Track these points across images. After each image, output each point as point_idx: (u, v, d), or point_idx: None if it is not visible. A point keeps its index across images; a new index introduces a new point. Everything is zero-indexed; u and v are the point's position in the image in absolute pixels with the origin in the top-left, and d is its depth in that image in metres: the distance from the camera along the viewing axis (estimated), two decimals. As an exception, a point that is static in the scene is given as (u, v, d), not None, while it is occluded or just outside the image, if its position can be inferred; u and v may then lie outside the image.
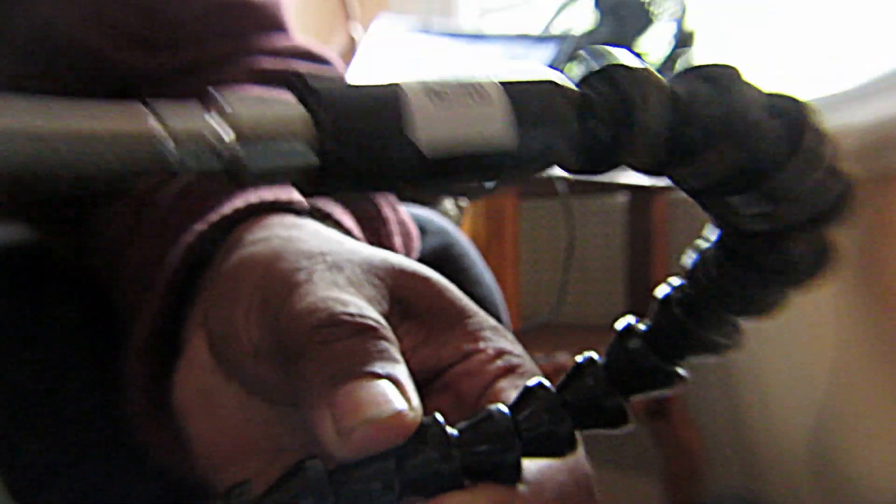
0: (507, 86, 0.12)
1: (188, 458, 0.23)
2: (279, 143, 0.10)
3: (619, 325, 0.20)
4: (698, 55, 1.22)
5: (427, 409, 0.18)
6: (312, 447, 0.19)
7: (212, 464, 0.22)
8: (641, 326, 0.19)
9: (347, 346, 0.19)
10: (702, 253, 0.18)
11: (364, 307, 0.20)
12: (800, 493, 1.09)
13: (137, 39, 0.34)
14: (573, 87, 0.13)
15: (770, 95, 0.15)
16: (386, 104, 0.11)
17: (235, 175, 0.10)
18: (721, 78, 0.14)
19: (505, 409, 0.17)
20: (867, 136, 1.00)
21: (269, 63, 0.35)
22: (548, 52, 1.08)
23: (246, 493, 0.16)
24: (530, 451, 0.17)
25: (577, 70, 0.14)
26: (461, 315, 0.22)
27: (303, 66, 0.37)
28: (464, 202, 0.99)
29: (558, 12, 1.35)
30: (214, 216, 0.25)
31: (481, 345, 0.22)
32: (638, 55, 1.15)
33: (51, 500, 0.31)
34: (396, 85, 0.11)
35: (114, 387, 0.29)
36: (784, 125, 0.14)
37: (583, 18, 1.31)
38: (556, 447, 0.18)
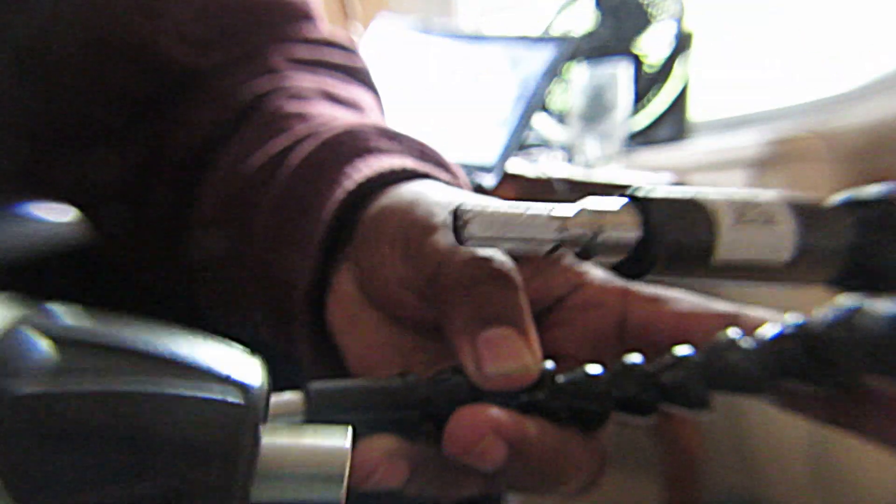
0: (796, 209, 0.15)
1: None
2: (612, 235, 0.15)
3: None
4: (698, 55, 1.23)
5: (548, 341, 0.23)
6: (433, 365, 0.23)
7: (358, 374, 0.26)
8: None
9: (488, 290, 0.22)
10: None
11: (498, 253, 0.23)
12: (800, 493, 1.09)
13: (192, 38, 0.35)
14: (845, 210, 0.15)
15: None
16: (700, 223, 0.14)
17: (587, 250, 0.15)
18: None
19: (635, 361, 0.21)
20: (867, 136, 1.01)
21: (302, 52, 0.37)
22: (548, 52, 1.08)
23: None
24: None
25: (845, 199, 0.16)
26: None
27: (333, 54, 0.38)
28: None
29: (558, 13, 1.35)
30: (351, 184, 0.28)
31: (587, 278, 0.25)
32: (637, 56, 1.15)
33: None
34: (706, 200, 0.14)
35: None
36: None
37: (583, 19, 1.31)
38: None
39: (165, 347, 0.13)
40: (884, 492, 1.02)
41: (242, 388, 0.13)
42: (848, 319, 0.18)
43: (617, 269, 0.15)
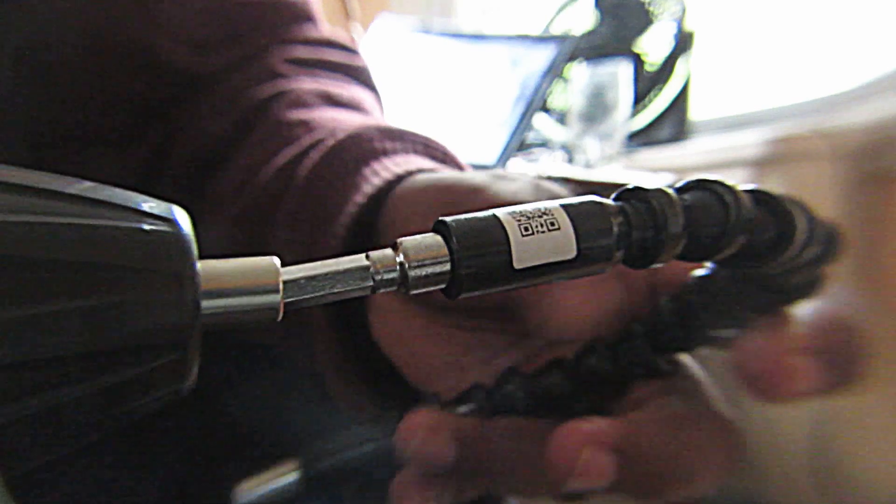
0: (568, 209, 0.17)
1: (373, 395, 0.27)
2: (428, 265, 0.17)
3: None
4: (699, 55, 1.22)
5: None
6: (487, 365, 0.24)
7: (415, 384, 0.26)
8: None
9: None
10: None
11: None
12: (800, 493, 1.09)
13: (192, 41, 0.35)
14: (613, 203, 0.18)
15: (754, 192, 0.19)
16: (493, 233, 0.17)
17: (405, 282, 0.16)
18: (716, 187, 0.18)
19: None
20: (867, 136, 1.00)
21: (303, 52, 0.37)
22: (548, 52, 1.08)
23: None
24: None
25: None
26: None
27: (333, 54, 0.38)
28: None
29: (558, 12, 1.35)
30: (361, 197, 0.27)
31: None
32: (637, 56, 1.15)
33: (51, 499, 0.31)
34: (497, 218, 0.17)
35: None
36: (773, 216, 0.19)
37: (583, 18, 1.31)
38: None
39: (90, 190, 0.14)
40: (884, 490, 1.02)
41: (171, 221, 0.14)
42: (698, 285, 0.22)
43: (447, 294, 0.17)
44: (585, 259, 0.17)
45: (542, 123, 1.30)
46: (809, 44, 1.19)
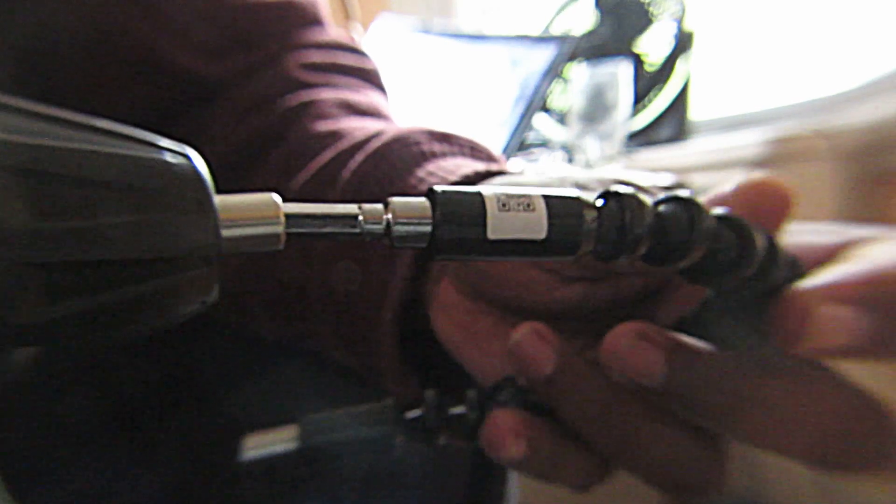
0: (546, 197, 0.19)
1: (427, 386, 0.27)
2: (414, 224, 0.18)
3: None
4: (699, 55, 1.23)
5: None
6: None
7: (478, 377, 0.27)
8: None
9: None
10: None
11: None
12: (800, 493, 1.09)
13: (202, 46, 0.35)
14: (591, 200, 0.20)
15: (722, 215, 0.21)
16: (474, 206, 0.18)
17: (389, 236, 0.18)
18: (687, 203, 0.20)
19: None
20: (867, 136, 1.00)
21: (316, 56, 0.37)
22: (548, 52, 1.08)
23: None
24: None
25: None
26: None
27: (345, 57, 0.38)
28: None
29: (558, 12, 1.35)
30: (431, 183, 0.27)
31: None
32: (637, 56, 1.14)
33: (51, 499, 0.31)
34: (480, 195, 0.19)
35: (113, 382, 0.29)
36: (735, 236, 0.20)
37: (583, 18, 1.31)
38: None
39: (116, 126, 0.16)
40: (885, 492, 1.02)
41: (187, 157, 0.16)
42: (695, 315, 0.23)
43: (422, 254, 0.19)
44: (554, 242, 0.19)
45: (542, 123, 1.30)
46: (809, 44, 1.19)
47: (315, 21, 0.39)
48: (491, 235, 0.19)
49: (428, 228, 0.18)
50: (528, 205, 0.19)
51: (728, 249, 0.20)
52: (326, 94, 0.35)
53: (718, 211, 0.21)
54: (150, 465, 0.33)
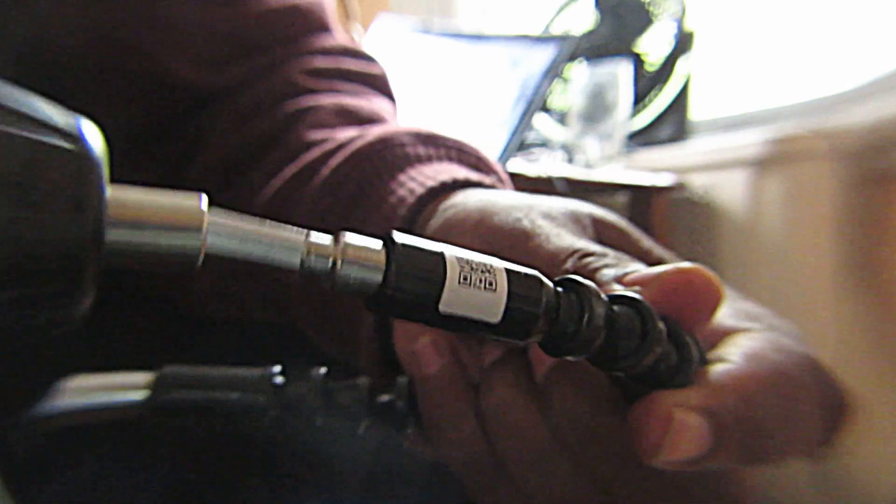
0: (510, 276, 0.17)
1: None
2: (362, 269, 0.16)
3: None
4: (699, 55, 1.23)
5: None
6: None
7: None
8: None
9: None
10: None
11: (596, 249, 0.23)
12: (800, 493, 1.09)
13: (207, 59, 0.35)
14: (552, 287, 0.18)
15: (665, 320, 0.19)
16: (434, 271, 0.17)
17: (333, 279, 0.16)
18: (638, 304, 0.19)
19: None
20: (867, 136, 1.00)
21: (321, 62, 0.37)
22: (548, 52, 1.08)
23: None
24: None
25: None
26: (647, 255, 0.24)
27: (351, 63, 0.38)
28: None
29: (558, 12, 1.35)
30: (417, 192, 0.27)
31: None
32: (637, 56, 1.14)
33: (51, 499, 0.31)
34: (444, 258, 0.17)
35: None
36: (675, 345, 0.19)
37: (583, 18, 1.31)
38: None
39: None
40: (884, 490, 1.02)
41: (75, 137, 0.13)
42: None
43: (366, 304, 0.17)
44: (506, 329, 0.17)
45: (542, 123, 1.30)
46: (809, 44, 1.19)
47: (322, 27, 0.39)
48: (443, 309, 0.17)
49: (377, 278, 0.16)
50: (491, 283, 0.17)
51: (669, 357, 0.19)
52: (326, 101, 0.35)
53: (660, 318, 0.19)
54: (150, 466, 0.33)
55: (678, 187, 1.11)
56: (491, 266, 0.17)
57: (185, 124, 0.36)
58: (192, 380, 0.24)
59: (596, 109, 1.13)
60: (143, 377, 0.24)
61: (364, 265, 0.16)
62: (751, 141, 1.07)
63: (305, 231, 0.16)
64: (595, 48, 1.25)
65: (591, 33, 1.27)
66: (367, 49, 0.40)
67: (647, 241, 0.25)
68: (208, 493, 0.34)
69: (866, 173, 1.00)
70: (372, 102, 0.36)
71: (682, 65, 1.23)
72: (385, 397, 0.24)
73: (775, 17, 1.24)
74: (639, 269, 0.21)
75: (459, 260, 0.17)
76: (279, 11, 0.37)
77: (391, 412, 0.24)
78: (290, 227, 0.16)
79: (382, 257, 0.16)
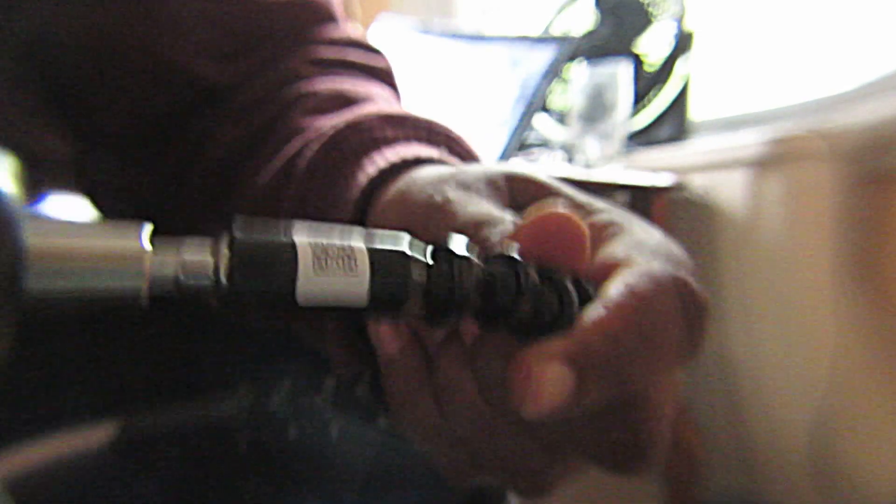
0: (372, 255, 0.17)
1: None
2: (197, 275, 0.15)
3: None
4: (698, 55, 1.23)
5: None
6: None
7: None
8: None
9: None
10: None
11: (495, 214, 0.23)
12: (800, 493, 1.09)
13: (216, 53, 0.35)
14: (422, 259, 0.18)
15: (541, 271, 0.20)
16: (281, 262, 0.16)
17: (179, 289, 0.15)
18: (508, 259, 0.19)
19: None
20: (867, 136, 1.01)
21: (326, 52, 0.37)
22: (548, 52, 1.08)
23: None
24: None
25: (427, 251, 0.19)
26: (572, 202, 0.25)
27: (355, 54, 0.38)
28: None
29: (558, 13, 1.35)
30: (355, 191, 0.27)
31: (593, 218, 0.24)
32: (637, 56, 1.15)
33: (51, 499, 0.31)
34: (293, 246, 0.16)
35: (114, 384, 0.29)
36: (555, 290, 0.20)
37: (583, 19, 1.31)
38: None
39: None
40: (884, 490, 1.02)
41: None
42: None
43: (218, 308, 0.16)
44: (376, 310, 0.17)
45: (542, 123, 1.30)
46: (809, 44, 1.19)
47: (328, 18, 0.39)
48: (301, 301, 0.16)
49: (221, 281, 0.15)
50: (351, 267, 0.16)
51: (551, 306, 0.19)
52: (322, 86, 0.35)
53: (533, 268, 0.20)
54: (149, 465, 0.33)
55: (678, 187, 1.11)
56: (350, 248, 0.17)
57: (189, 121, 0.36)
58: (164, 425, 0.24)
59: (596, 109, 1.13)
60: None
61: (201, 271, 0.15)
62: (751, 141, 1.08)
63: (151, 245, 0.15)
64: (595, 48, 1.25)
65: (590, 33, 1.27)
66: (367, 39, 0.40)
67: (568, 189, 0.25)
68: (208, 493, 0.34)
69: (866, 173, 1.00)
70: (368, 88, 0.36)
71: (681, 65, 1.23)
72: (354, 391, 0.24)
73: (775, 17, 1.24)
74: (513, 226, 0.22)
75: (314, 247, 0.16)
76: (286, 3, 0.37)
77: (358, 406, 0.24)
78: (122, 244, 0.15)
79: (224, 260, 0.15)
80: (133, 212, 0.36)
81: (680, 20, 1.22)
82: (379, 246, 0.17)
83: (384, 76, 0.39)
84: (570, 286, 0.20)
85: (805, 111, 1.15)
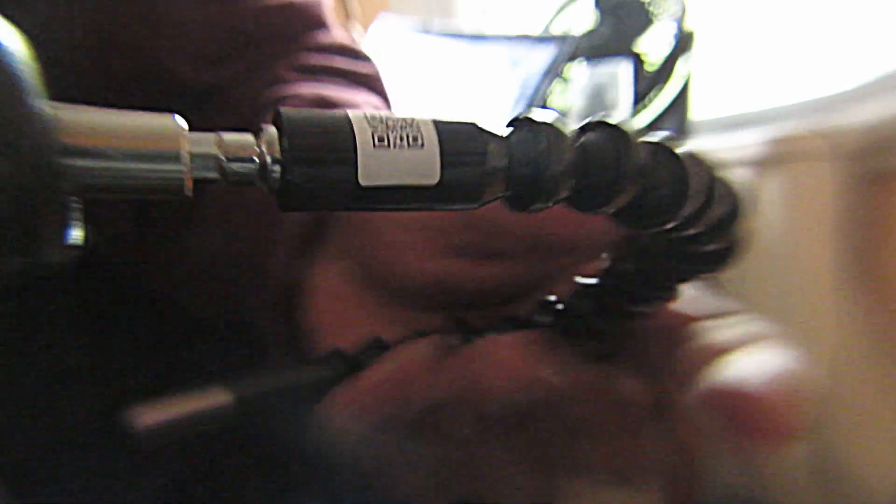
0: (440, 126, 0.15)
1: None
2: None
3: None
4: (698, 55, 1.22)
5: None
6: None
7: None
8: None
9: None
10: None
11: None
12: (800, 493, 1.09)
13: (207, 57, 0.35)
14: (497, 133, 0.15)
15: (652, 144, 0.17)
16: (338, 136, 0.14)
17: (224, 173, 0.13)
18: (613, 130, 0.16)
19: None
20: (867, 136, 1.00)
21: (314, 59, 0.37)
22: (548, 52, 1.08)
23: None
24: None
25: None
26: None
27: (342, 61, 0.38)
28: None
29: (558, 12, 1.35)
30: None
31: None
32: (637, 56, 1.15)
33: (51, 499, 0.31)
34: (348, 119, 0.14)
35: (114, 384, 0.29)
36: (666, 168, 0.17)
37: (583, 18, 1.31)
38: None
39: None
40: (884, 490, 1.02)
41: None
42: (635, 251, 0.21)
43: (279, 205, 0.14)
44: (450, 189, 0.14)
45: (542, 123, 1.30)
46: (809, 44, 1.19)
47: (319, 23, 0.39)
48: (364, 181, 0.14)
49: (276, 170, 0.13)
50: (415, 138, 0.14)
51: (662, 187, 0.17)
52: (306, 90, 0.35)
53: (650, 138, 0.17)
54: (150, 467, 0.33)
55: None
56: (412, 119, 0.14)
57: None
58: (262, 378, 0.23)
59: (596, 109, 1.13)
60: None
61: (247, 157, 0.14)
62: (751, 141, 1.07)
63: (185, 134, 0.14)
64: (595, 48, 1.25)
65: (591, 33, 1.27)
66: (365, 48, 0.40)
67: None
68: (208, 494, 0.34)
69: (866, 173, 1.00)
70: (353, 95, 0.36)
71: (682, 65, 1.23)
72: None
73: (775, 17, 1.24)
74: None
75: (371, 119, 0.14)
76: (276, 8, 0.37)
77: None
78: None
79: (269, 137, 0.14)
80: (123, 211, 0.36)
81: (680, 20, 1.22)
82: (446, 118, 0.15)
83: (372, 83, 0.39)
84: (690, 164, 0.17)
85: (805, 111, 1.15)
